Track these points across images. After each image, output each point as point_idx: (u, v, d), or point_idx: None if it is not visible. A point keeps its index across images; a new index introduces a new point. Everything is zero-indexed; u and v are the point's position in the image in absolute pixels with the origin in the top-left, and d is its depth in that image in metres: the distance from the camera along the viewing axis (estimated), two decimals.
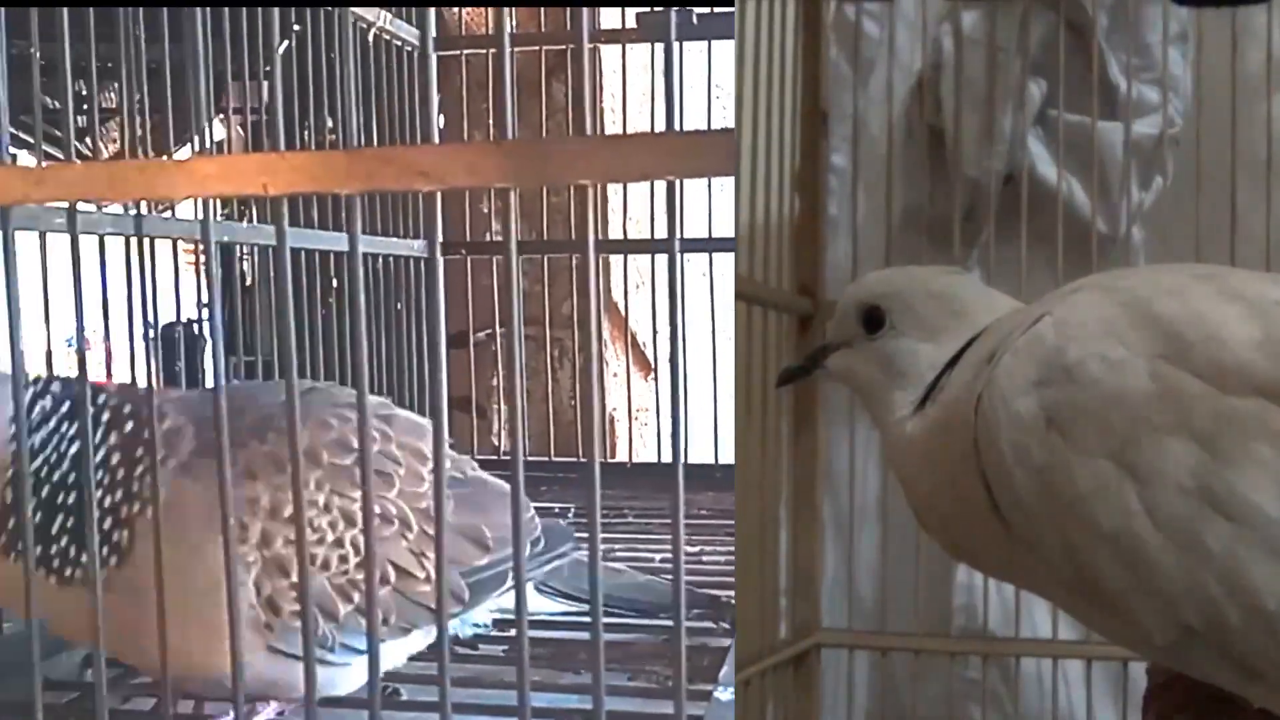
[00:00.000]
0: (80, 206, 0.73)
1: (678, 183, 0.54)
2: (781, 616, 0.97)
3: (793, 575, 0.99)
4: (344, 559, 0.83)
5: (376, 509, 0.82)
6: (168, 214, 1.22)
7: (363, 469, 0.57)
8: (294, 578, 0.80)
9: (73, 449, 0.78)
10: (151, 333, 1.23)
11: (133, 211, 0.91)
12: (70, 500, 0.77)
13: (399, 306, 1.58)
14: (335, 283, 1.41)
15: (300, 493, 0.59)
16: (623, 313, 1.91)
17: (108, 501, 0.78)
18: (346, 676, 0.85)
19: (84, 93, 1.15)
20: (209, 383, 1.60)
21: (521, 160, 0.54)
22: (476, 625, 0.99)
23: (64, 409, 0.79)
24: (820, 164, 1.00)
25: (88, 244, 0.91)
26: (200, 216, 0.71)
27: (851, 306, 0.69)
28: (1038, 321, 0.59)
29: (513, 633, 1.06)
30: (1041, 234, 0.95)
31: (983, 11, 0.97)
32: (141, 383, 1.01)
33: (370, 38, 1.54)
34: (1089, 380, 0.56)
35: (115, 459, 0.78)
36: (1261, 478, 0.54)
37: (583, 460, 1.66)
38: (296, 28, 1.37)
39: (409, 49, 1.67)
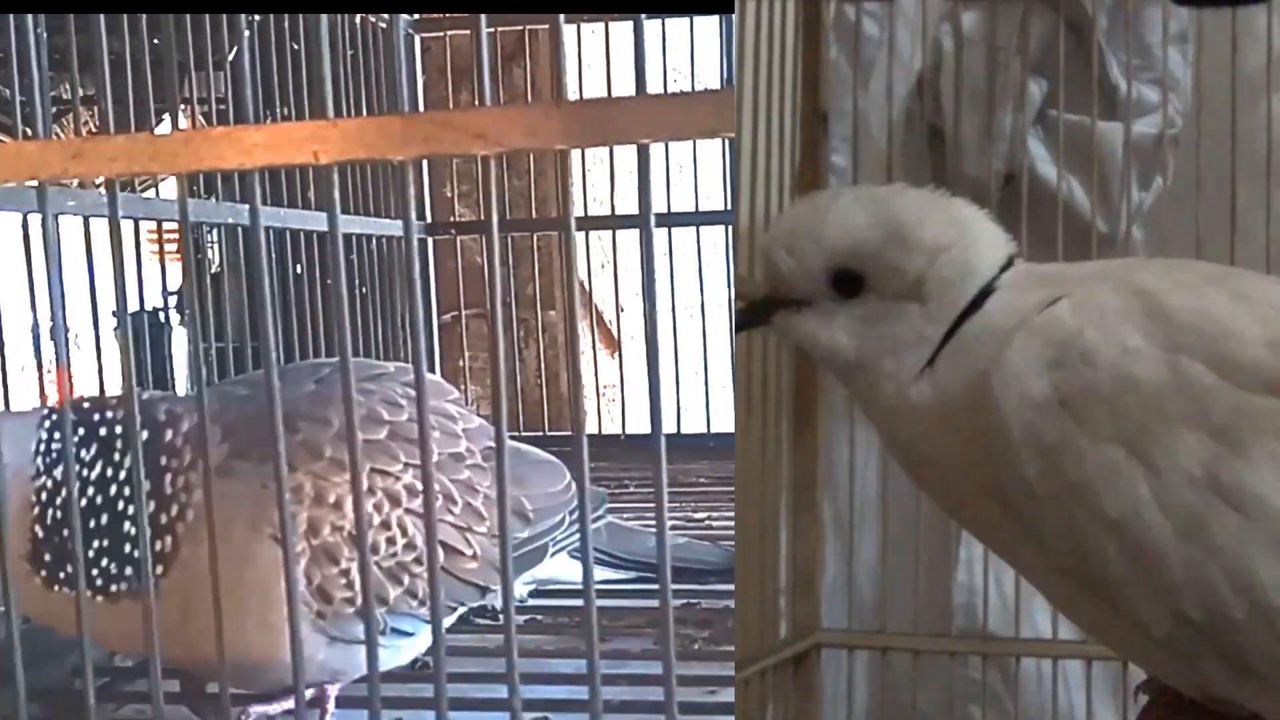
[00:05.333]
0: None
1: (648, 151, 0.52)
2: (781, 616, 0.97)
3: (793, 575, 0.99)
4: (391, 541, 0.81)
5: (419, 485, 0.81)
6: (149, 194, 1.21)
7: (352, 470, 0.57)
8: (343, 565, 0.79)
9: (93, 473, 0.77)
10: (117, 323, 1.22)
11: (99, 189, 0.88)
12: (102, 522, 0.76)
13: (363, 290, 1.56)
14: (301, 264, 1.39)
15: (282, 479, 0.58)
16: (588, 291, 1.94)
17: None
18: (393, 657, 0.85)
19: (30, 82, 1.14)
20: (178, 370, 1.60)
21: (583, 120, 0.52)
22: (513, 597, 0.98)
23: (78, 436, 0.77)
24: (820, 164, 1.00)
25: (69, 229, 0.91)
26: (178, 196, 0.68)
27: (815, 264, 0.62)
28: (1054, 304, 0.59)
29: (545, 601, 1.06)
30: (1041, 234, 0.95)
31: (983, 11, 0.97)
32: (110, 378, 1.01)
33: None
34: (1106, 365, 0.57)
35: (143, 471, 0.78)
36: (1274, 474, 0.54)
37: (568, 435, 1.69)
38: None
39: (384, 26, 1.68)
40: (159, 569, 0.76)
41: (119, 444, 0.77)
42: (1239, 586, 0.54)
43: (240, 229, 1.31)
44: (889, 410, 0.63)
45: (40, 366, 0.83)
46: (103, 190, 0.90)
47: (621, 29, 1.75)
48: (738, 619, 0.91)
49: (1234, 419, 0.55)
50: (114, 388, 1.20)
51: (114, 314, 1.15)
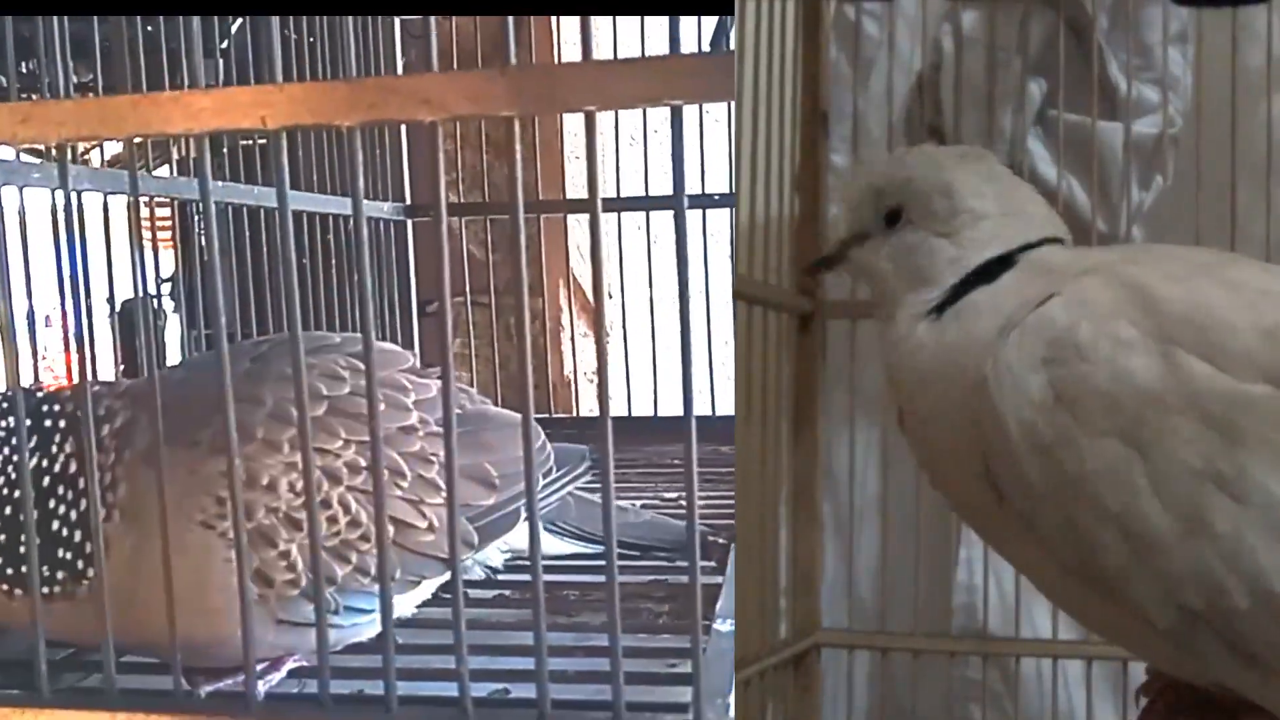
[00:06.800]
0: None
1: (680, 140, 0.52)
2: (781, 616, 0.97)
3: (793, 575, 0.98)
4: (333, 519, 0.79)
5: (361, 460, 0.79)
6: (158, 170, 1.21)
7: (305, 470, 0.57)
8: (281, 547, 0.77)
9: (33, 462, 0.73)
10: (109, 310, 1.21)
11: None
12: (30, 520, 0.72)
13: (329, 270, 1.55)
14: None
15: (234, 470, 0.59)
16: (577, 278, 1.94)
17: (73, 514, 0.74)
18: (351, 635, 0.82)
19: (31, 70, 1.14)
20: (172, 358, 1.59)
21: (526, 87, 0.52)
22: (489, 567, 0.96)
23: (14, 423, 0.73)
24: (820, 164, 1.00)
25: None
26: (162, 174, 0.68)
27: (868, 196, 0.68)
28: (1047, 300, 0.60)
29: (516, 576, 1.03)
30: None
31: (983, 11, 0.97)
32: (101, 364, 0.98)
33: None
34: (1100, 359, 0.57)
35: (73, 468, 0.74)
36: (1271, 462, 0.54)
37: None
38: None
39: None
40: (90, 572, 0.72)
41: (56, 439, 0.74)
42: (1240, 575, 0.55)
43: (245, 210, 1.31)
44: (894, 339, 0.65)
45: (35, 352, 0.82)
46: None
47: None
48: (738, 619, 0.91)
49: (1229, 408, 0.55)
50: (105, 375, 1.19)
51: (107, 301, 1.13)
